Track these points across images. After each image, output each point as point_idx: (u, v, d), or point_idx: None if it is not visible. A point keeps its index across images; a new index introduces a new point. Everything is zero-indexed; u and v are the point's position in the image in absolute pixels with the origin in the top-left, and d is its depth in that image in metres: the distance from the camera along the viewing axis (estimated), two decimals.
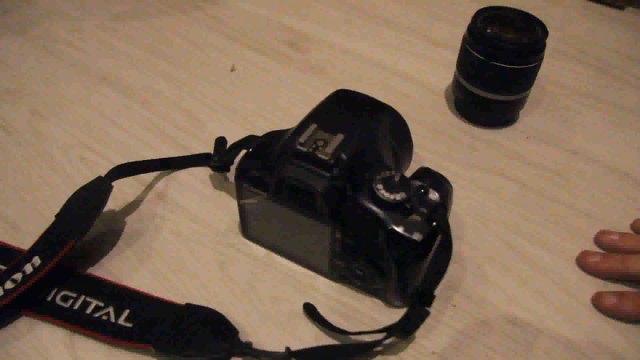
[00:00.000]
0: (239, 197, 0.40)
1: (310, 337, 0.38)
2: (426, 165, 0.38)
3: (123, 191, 0.46)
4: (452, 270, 0.41)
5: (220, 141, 0.47)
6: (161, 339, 0.36)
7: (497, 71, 0.48)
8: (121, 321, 0.37)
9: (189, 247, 0.43)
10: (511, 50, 0.47)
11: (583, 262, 0.42)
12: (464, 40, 0.50)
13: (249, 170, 0.38)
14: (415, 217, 0.34)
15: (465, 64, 0.51)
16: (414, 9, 0.70)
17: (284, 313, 0.39)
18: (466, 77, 0.51)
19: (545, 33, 0.48)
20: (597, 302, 0.39)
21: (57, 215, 0.40)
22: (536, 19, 0.50)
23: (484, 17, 0.50)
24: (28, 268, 0.38)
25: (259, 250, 0.42)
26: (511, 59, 0.47)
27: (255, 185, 0.37)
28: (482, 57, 0.48)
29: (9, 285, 0.37)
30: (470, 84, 0.51)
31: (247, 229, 0.42)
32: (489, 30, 0.48)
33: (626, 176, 0.49)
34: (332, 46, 0.63)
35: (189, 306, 0.38)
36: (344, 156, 0.35)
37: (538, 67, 0.49)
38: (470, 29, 0.49)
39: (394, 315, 0.38)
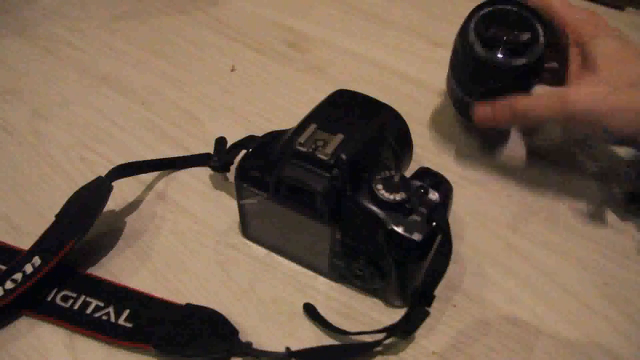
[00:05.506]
0: (239, 197, 0.40)
1: (310, 337, 0.38)
2: (426, 165, 0.38)
3: (123, 191, 0.46)
4: (452, 270, 0.41)
5: (220, 141, 0.47)
6: (161, 339, 0.36)
7: (496, 71, 0.48)
8: (121, 321, 0.37)
9: (189, 247, 0.43)
10: (511, 50, 0.47)
11: (474, 116, 0.44)
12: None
13: (249, 170, 0.38)
14: (415, 217, 0.34)
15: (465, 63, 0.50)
16: (414, 9, 0.70)
17: (284, 313, 0.39)
18: (466, 77, 0.51)
19: (545, 33, 0.48)
20: (474, 115, 0.42)
21: (57, 215, 0.40)
22: (536, 18, 0.49)
23: (482, 16, 0.49)
24: (28, 268, 0.38)
25: (259, 250, 0.42)
26: (511, 59, 0.47)
27: (255, 185, 0.37)
28: (481, 57, 0.48)
29: (9, 285, 0.37)
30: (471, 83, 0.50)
31: (247, 229, 0.42)
32: (488, 30, 0.48)
33: None
34: (332, 46, 0.63)
35: (189, 306, 0.38)
36: (343, 156, 0.34)
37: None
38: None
39: (394, 315, 0.38)
